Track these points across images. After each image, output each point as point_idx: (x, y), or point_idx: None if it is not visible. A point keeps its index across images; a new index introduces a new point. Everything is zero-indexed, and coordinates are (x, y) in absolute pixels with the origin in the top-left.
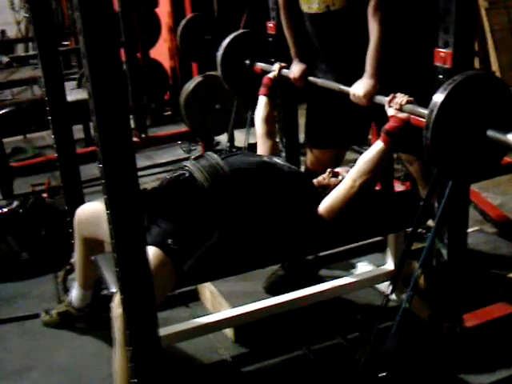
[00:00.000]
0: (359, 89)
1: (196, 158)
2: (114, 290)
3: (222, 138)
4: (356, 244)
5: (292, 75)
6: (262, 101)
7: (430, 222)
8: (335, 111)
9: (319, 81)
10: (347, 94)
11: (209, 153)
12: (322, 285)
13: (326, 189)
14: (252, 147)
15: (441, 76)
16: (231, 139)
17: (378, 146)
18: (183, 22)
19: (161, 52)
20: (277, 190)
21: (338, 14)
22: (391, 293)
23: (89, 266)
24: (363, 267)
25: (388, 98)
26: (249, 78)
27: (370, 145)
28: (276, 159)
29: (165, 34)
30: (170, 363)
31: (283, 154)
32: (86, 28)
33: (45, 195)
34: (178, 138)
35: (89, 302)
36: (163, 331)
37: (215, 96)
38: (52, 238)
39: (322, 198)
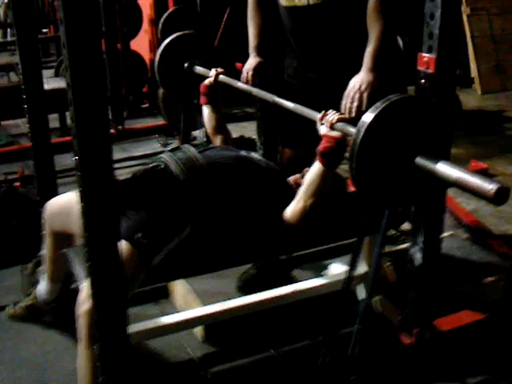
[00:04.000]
0: (360, 81)
1: (172, 150)
2: (84, 284)
3: (199, 133)
4: (329, 245)
5: (247, 66)
6: (206, 111)
7: (406, 226)
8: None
9: (254, 90)
10: (318, 94)
11: (186, 145)
12: (294, 285)
13: None
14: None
15: (423, 81)
16: (207, 134)
17: (316, 167)
18: (165, 14)
19: (141, 44)
20: (252, 186)
21: (316, 8)
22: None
23: (58, 259)
24: (336, 268)
25: (319, 116)
26: (188, 81)
27: None
28: (254, 154)
29: (146, 25)
30: (138, 361)
31: (260, 152)
32: (68, 17)
33: (17, 184)
34: (154, 131)
35: (57, 296)
36: (132, 328)
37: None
38: (22, 229)
39: None
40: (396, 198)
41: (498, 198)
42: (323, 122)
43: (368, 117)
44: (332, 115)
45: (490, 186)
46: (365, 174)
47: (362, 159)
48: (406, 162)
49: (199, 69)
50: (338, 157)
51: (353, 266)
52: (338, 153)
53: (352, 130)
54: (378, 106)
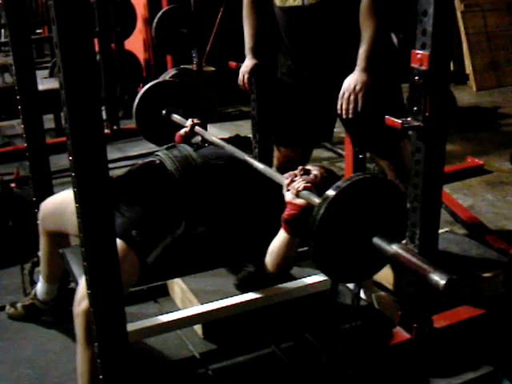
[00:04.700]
0: (354, 82)
1: (168, 148)
2: (80, 283)
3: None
4: None
5: (244, 68)
6: None
7: None
8: (299, 109)
9: (226, 146)
10: (312, 92)
11: (181, 144)
12: (292, 282)
13: None
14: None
15: (416, 78)
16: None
17: (281, 235)
18: (159, 14)
19: (135, 43)
20: (247, 184)
21: (311, 8)
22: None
23: (54, 259)
24: None
25: (287, 181)
26: (166, 129)
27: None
28: (247, 156)
29: (140, 25)
30: (137, 359)
31: (256, 151)
32: (60, 17)
33: (13, 185)
34: None
35: (55, 296)
36: (131, 327)
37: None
38: (19, 229)
39: None
40: (354, 274)
41: (447, 291)
42: (289, 187)
43: (330, 193)
44: (298, 183)
45: (440, 280)
46: (324, 250)
47: (321, 235)
48: (365, 239)
49: (176, 117)
50: (303, 224)
51: None
52: (302, 220)
53: (316, 200)
54: (340, 185)
